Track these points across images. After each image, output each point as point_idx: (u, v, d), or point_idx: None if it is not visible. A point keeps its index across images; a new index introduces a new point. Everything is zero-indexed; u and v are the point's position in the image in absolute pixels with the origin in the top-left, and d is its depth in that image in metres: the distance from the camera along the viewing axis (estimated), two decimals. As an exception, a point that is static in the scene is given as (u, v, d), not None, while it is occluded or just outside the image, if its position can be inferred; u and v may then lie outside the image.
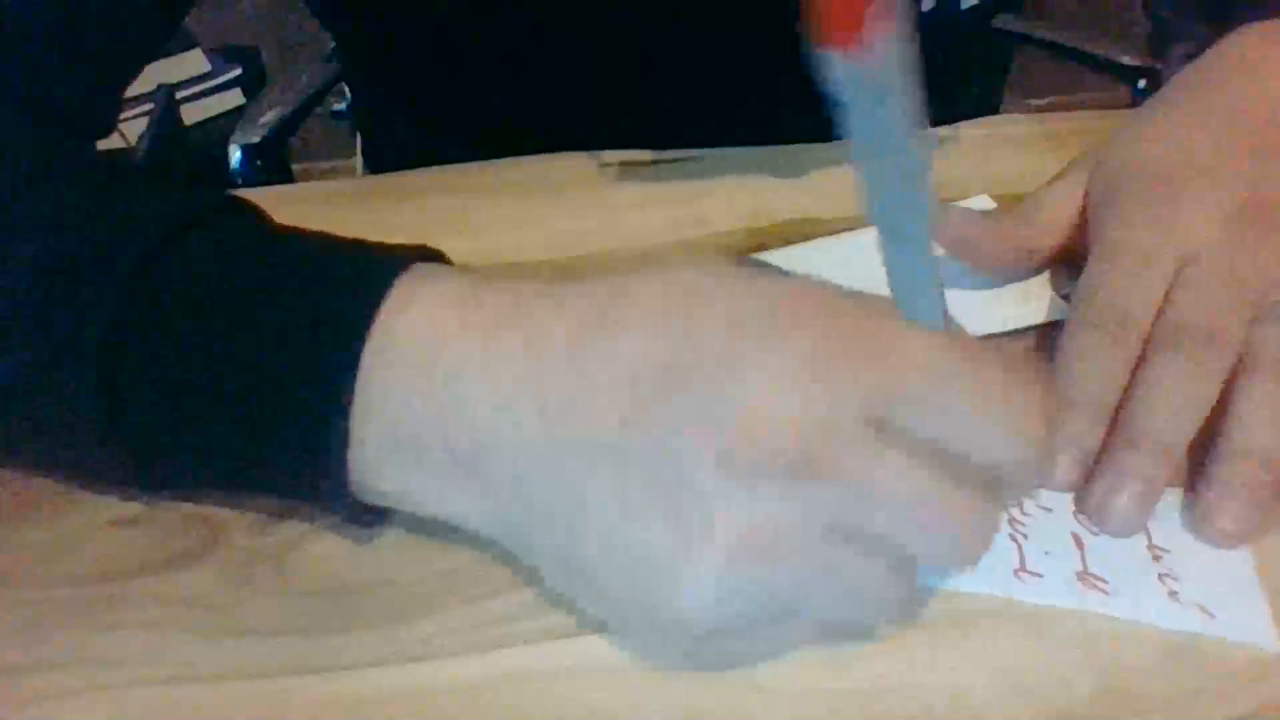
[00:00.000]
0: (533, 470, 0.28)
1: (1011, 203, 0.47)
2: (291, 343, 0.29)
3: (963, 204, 0.48)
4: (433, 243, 0.34)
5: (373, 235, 0.38)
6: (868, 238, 0.48)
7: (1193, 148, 0.40)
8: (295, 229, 0.33)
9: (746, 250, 0.46)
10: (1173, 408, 0.34)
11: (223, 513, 0.34)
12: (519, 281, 0.30)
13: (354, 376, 0.29)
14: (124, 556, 0.33)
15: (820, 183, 0.50)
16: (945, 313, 0.28)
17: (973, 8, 0.57)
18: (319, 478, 0.30)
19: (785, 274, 0.28)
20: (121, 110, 0.46)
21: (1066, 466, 0.34)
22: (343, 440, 0.29)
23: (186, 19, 0.48)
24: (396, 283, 0.30)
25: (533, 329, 0.29)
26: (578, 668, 0.30)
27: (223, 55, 1.68)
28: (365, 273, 0.30)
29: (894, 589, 0.28)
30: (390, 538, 0.33)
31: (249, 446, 0.30)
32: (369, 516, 0.32)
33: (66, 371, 0.30)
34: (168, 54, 1.56)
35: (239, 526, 0.34)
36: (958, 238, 0.42)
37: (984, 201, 0.48)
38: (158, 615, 0.31)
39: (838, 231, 0.47)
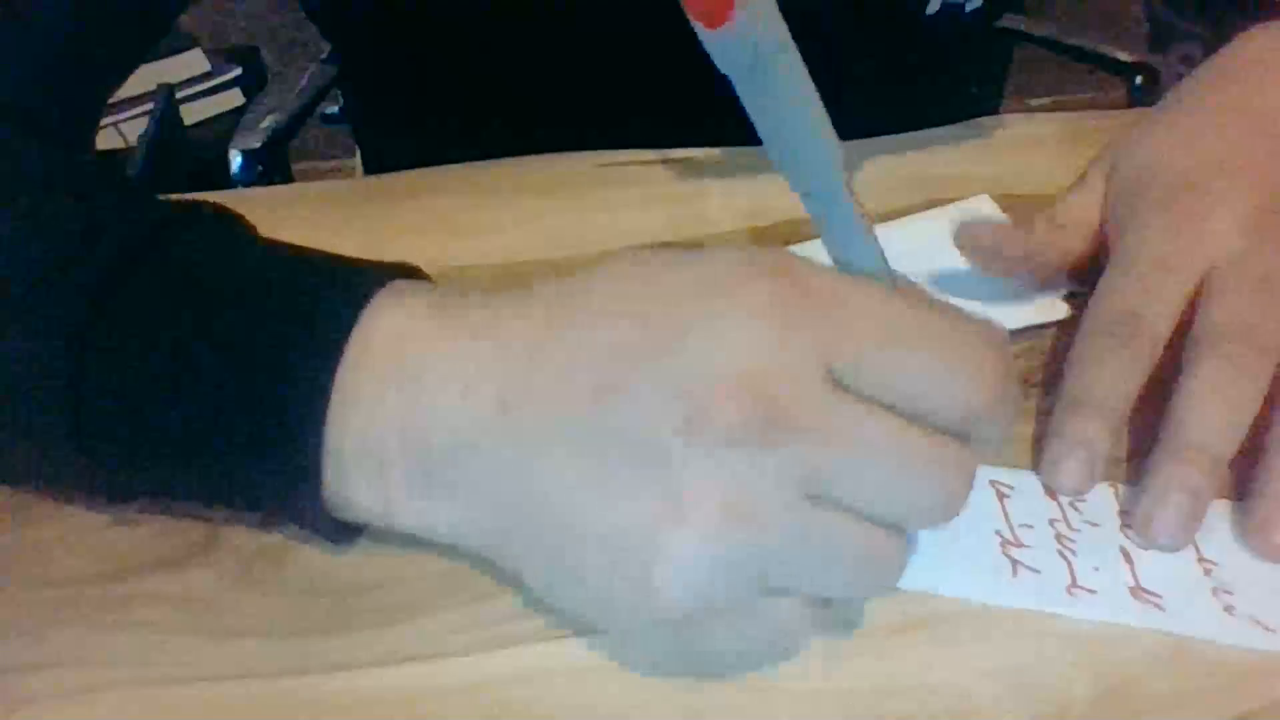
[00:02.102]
0: (496, 468, 0.28)
1: (1012, 203, 0.47)
2: (267, 356, 0.29)
3: (963, 204, 0.48)
4: (433, 243, 0.34)
5: (373, 235, 0.38)
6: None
7: (1210, 149, 0.40)
8: (274, 240, 0.32)
9: (746, 250, 0.46)
10: (1216, 415, 0.33)
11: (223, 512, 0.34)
12: (492, 293, 0.30)
13: (329, 390, 0.29)
14: (124, 556, 0.33)
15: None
16: (885, 263, 0.28)
17: (976, 10, 0.57)
18: (293, 493, 0.30)
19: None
20: (100, 118, 0.45)
21: (1074, 469, 0.34)
22: (317, 454, 0.29)
23: (187, 19, 0.48)
24: (374, 298, 0.30)
25: (496, 330, 0.29)
26: (578, 667, 0.30)
27: (223, 55, 1.68)
28: (344, 288, 0.30)
29: (880, 553, 0.27)
30: (390, 538, 0.33)
31: (220, 460, 0.30)
32: (344, 533, 0.32)
33: (33, 378, 0.30)
34: (168, 54, 1.56)
35: (239, 526, 0.34)
36: (976, 246, 0.42)
37: (984, 201, 0.48)
38: (158, 615, 0.31)
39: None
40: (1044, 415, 0.37)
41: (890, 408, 0.26)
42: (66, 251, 0.31)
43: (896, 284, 0.28)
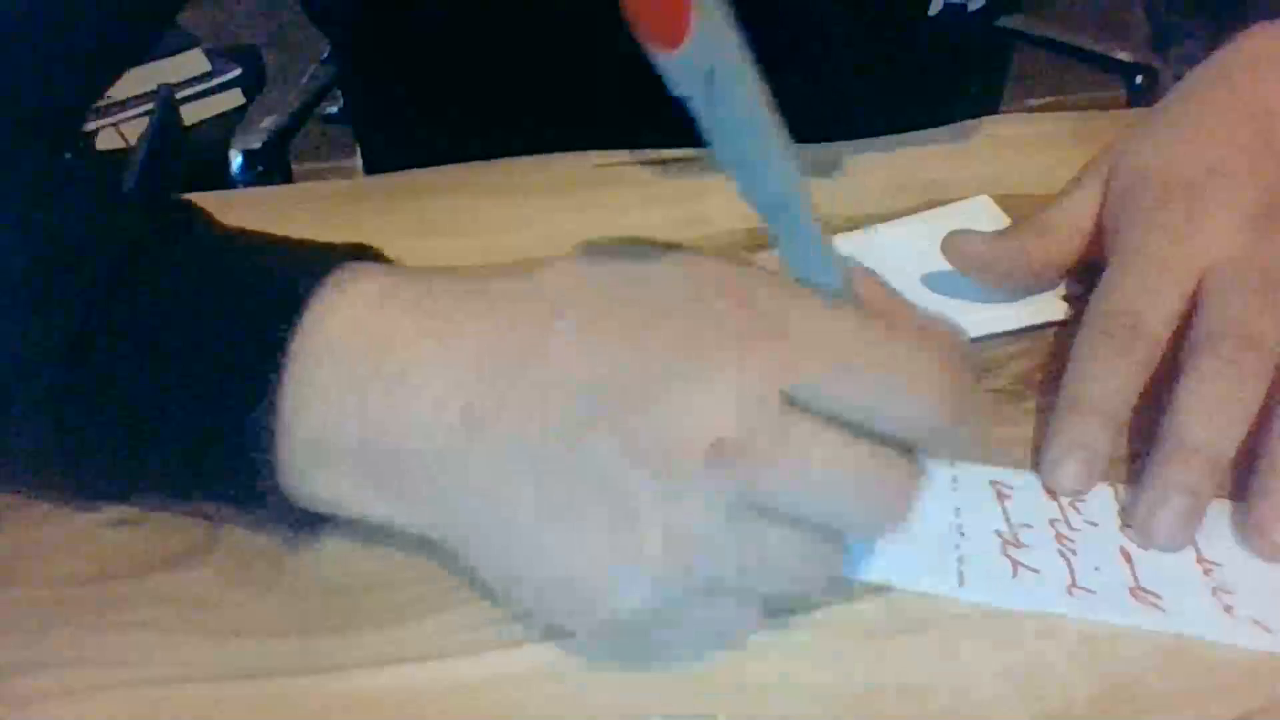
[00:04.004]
0: (454, 475, 0.28)
1: (1012, 203, 0.47)
2: (220, 347, 0.29)
3: (962, 204, 0.48)
4: (433, 243, 0.34)
5: (373, 235, 0.38)
6: (867, 238, 0.48)
7: (1209, 150, 0.40)
8: (231, 229, 0.32)
9: (746, 250, 0.46)
10: (1215, 416, 0.33)
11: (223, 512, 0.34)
12: (452, 280, 0.30)
13: (279, 381, 0.29)
14: (124, 556, 0.33)
15: (820, 182, 0.50)
16: (844, 277, 0.28)
17: (979, 10, 0.57)
18: (248, 483, 0.30)
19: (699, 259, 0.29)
20: (87, 115, 0.45)
21: (1074, 469, 0.34)
22: (270, 445, 0.29)
23: (187, 19, 0.48)
24: (324, 284, 0.29)
25: (459, 334, 0.29)
26: (577, 667, 0.30)
27: (223, 55, 1.68)
28: (293, 274, 0.30)
29: (820, 556, 0.28)
30: (391, 538, 0.33)
31: (180, 451, 0.30)
32: (304, 521, 0.32)
33: (16, 388, 0.30)
34: (168, 54, 1.56)
35: (239, 526, 0.34)
36: (963, 257, 0.42)
37: (984, 201, 0.48)
38: (158, 615, 0.31)
39: (838, 231, 0.47)
40: (1043, 415, 0.37)
41: (845, 424, 0.27)
42: (45, 260, 0.30)
43: (857, 293, 0.29)
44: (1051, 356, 0.40)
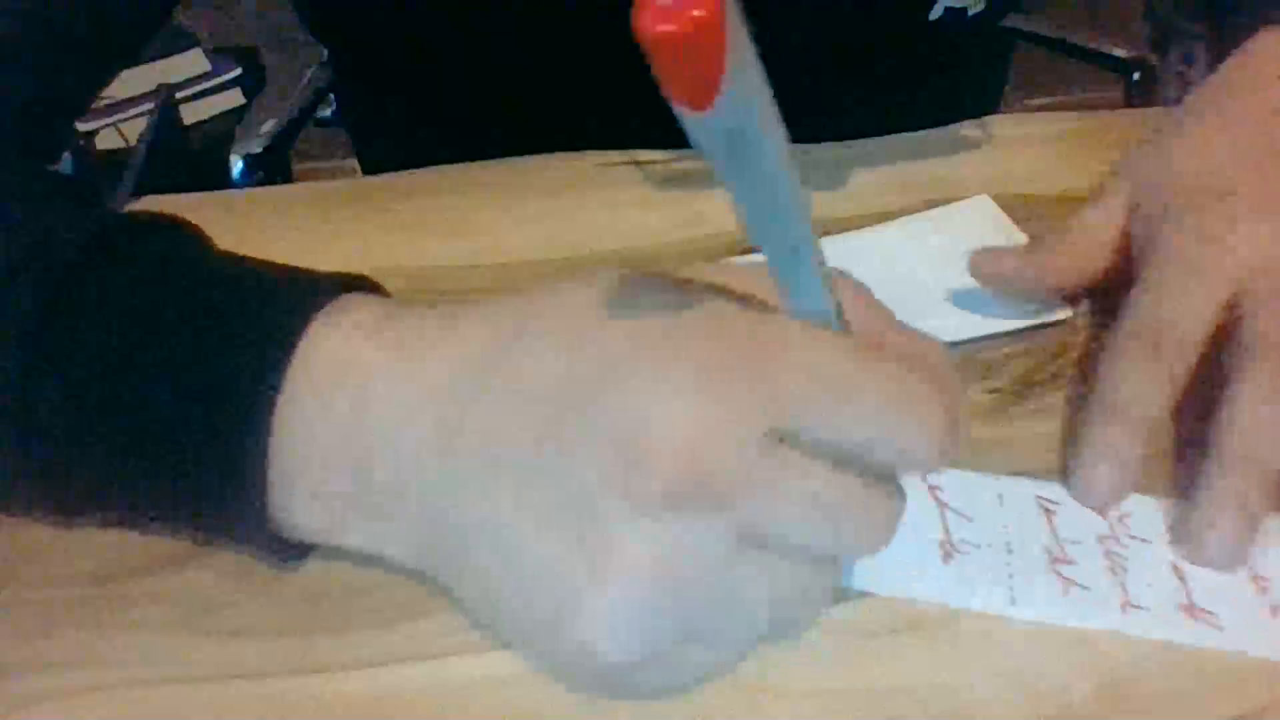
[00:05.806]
0: (434, 491, 0.28)
1: (1012, 203, 0.47)
2: (210, 376, 0.29)
3: (962, 204, 0.48)
4: (431, 243, 0.33)
5: (372, 235, 0.38)
6: (863, 240, 0.48)
7: (1236, 154, 0.39)
8: (220, 253, 0.32)
9: (746, 250, 0.46)
10: (1266, 426, 0.32)
11: (223, 513, 0.34)
12: (442, 308, 0.30)
13: (272, 412, 0.28)
14: (124, 556, 0.33)
15: (819, 183, 0.50)
16: (841, 317, 0.27)
17: (979, 14, 0.56)
18: (238, 515, 0.29)
19: (690, 286, 0.28)
20: (77, 119, 0.45)
21: (1104, 476, 0.33)
22: (261, 478, 0.29)
23: (187, 19, 0.48)
24: (317, 317, 0.29)
25: (441, 353, 0.29)
26: (578, 668, 0.30)
27: (223, 55, 1.68)
28: (287, 306, 0.30)
29: (806, 589, 0.27)
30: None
31: (166, 482, 0.30)
32: (291, 553, 0.31)
33: None
34: (168, 54, 1.56)
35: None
36: (996, 276, 0.41)
37: (984, 201, 0.48)
38: (158, 615, 0.31)
39: (836, 232, 0.47)
40: (1044, 415, 0.37)
41: (827, 453, 0.26)
42: (15, 261, 0.30)
43: (846, 320, 0.28)
44: (1051, 357, 0.40)
